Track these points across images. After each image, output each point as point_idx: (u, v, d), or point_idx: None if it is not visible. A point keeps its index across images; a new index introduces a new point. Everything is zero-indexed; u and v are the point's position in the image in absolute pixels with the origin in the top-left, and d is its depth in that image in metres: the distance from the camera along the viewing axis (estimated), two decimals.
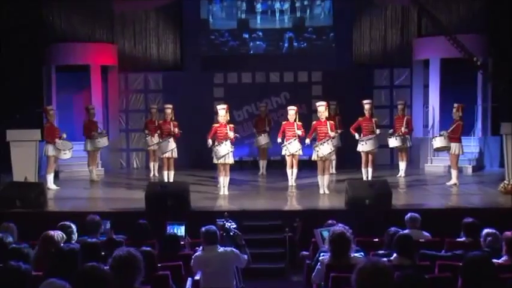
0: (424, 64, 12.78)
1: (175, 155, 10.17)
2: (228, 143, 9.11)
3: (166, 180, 10.04)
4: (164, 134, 10.18)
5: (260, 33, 13.53)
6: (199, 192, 9.38)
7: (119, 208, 8.24)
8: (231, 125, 9.38)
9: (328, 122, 9.40)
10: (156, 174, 11.71)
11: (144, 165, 13.17)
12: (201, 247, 5.21)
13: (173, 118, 10.28)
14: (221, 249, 5.15)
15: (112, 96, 13.05)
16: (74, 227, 5.38)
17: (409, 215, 6.20)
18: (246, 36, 13.52)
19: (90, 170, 11.00)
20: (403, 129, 10.91)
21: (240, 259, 5.27)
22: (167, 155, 10.10)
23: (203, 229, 5.18)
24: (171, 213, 7.32)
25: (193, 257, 5.16)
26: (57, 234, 4.82)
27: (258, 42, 13.59)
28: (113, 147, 12.66)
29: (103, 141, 10.99)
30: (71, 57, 12.19)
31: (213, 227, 5.23)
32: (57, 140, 9.95)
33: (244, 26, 13.55)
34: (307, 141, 9.45)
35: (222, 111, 9.31)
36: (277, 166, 12.36)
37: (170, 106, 10.37)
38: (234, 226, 5.65)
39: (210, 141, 9.27)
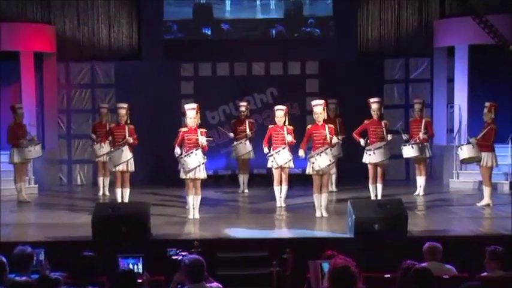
0: (448, 53, 12.92)
1: (131, 168, 10.17)
2: (200, 152, 9.12)
3: (119, 200, 10.07)
4: (117, 141, 10.18)
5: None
6: (162, 216, 9.40)
7: (57, 237, 8.20)
8: (203, 130, 9.39)
9: (326, 126, 9.45)
10: (107, 192, 11.69)
11: (91, 181, 13.18)
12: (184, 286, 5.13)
13: (129, 121, 10.27)
14: (208, 285, 5.09)
15: (48, 92, 13.01)
16: (4, 260, 5.29)
17: (428, 244, 6.25)
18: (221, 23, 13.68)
19: (18, 188, 10.90)
20: (421, 135, 11.03)
21: None
22: (121, 167, 10.09)
23: (186, 261, 5.11)
24: (125, 243, 7.35)
25: None
26: None
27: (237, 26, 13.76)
28: (49, 158, 12.64)
29: (35, 151, 10.90)
30: None
31: (200, 259, 5.15)
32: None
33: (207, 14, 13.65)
34: (301, 152, 9.51)
35: (191, 112, 9.33)
36: (262, 182, 12.34)
37: (125, 105, 10.36)
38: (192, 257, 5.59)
39: (177, 150, 9.28)
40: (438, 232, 8.27)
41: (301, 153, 9.50)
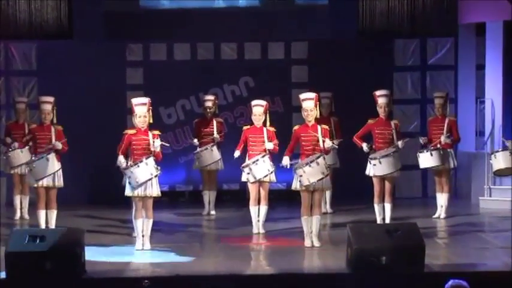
0: (477, 31, 13.10)
1: (59, 182, 10.16)
2: (151, 161, 9.13)
3: (43, 225, 10.03)
4: (40, 147, 10.15)
5: None
6: (100, 246, 9.40)
7: None
8: (156, 132, 9.39)
9: (318, 127, 9.47)
10: (26, 215, 11.65)
11: (4, 200, 13.10)
12: None
13: (55, 120, 10.24)
14: None
15: None
16: None
17: (452, 282, 6.27)
18: None
19: None
20: (443, 138, 11.14)
21: None
22: (45, 182, 10.06)
23: None
24: (50, 284, 7.23)
25: None
26: None
27: None
28: None
29: None
30: None
31: None
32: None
33: None
34: (286, 161, 9.50)
35: (140, 108, 9.32)
36: (234, 201, 12.35)
37: (50, 100, 10.35)
38: None
39: (121, 159, 9.27)
40: (464, 267, 8.32)
41: (285, 161, 9.49)
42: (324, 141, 9.37)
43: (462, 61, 13.36)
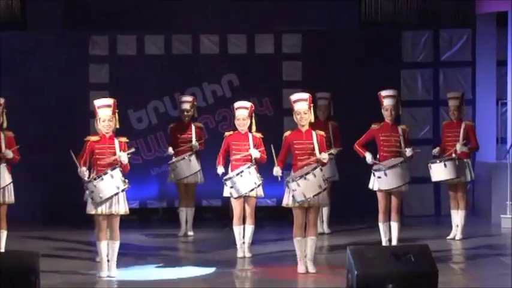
0: (498, 21, 13.11)
1: (9, 198, 10.14)
2: (118, 173, 9.10)
3: None
4: None
5: None
6: (58, 273, 9.36)
7: None
8: (123, 139, 9.39)
9: (314, 133, 9.48)
10: None
11: None
12: None
13: (5, 124, 10.25)
14: None
15: None
16: None
17: None
18: None
19: None
20: (458, 146, 11.19)
21: None
22: None
23: None
24: None
25: None
26: None
27: None
28: None
29: None
30: None
31: None
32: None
33: None
34: (277, 172, 9.49)
35: (104, 111, 9.30)
36: (216, 219, 12.28)
37: (0, 101, 10.27)
38: None
39: (82, 172, 9.19)
40: None
41: (276, 172, 9.53)
42: (322, 153, 9.36)
43: (481, 56, 13.39)
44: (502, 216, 12.34)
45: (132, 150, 9.61)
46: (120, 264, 9.45)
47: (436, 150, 11.23)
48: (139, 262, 10.17)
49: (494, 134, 13.10)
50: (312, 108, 9.59)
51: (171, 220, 12.48)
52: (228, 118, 12.07)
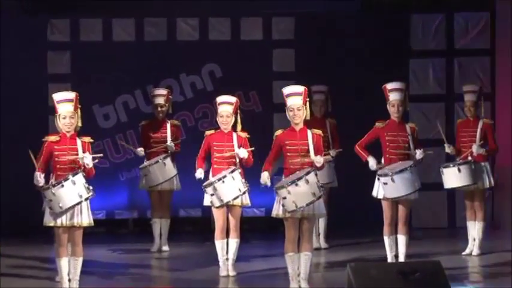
0: None
1: None
2: (80, 179, 9.06)
3: None
4: None
5: None
6: None
7: None
8: (87, 139, 9.38)
9: (309, 132, 9.43)
10: None
11: None
12: None
13: None
14: None
15: None
16: None
17: None
18: None
19: None
20: (475, 148, 11.21)
21: None
22: None
23: None
24: None
25: None
26: None
27: None
28: None
29: None
30: None
31: None
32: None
33: None
34: (265, 177, 9.37)
35: (65, 106, 9.28)
36: (195, 232, 12.28)
37: None
38: None
39: (38, 177, 9.12)
40: None
41: (264, 178, 9.38)
42: (317, 155, 9.33)
43: (501, 44, 13.41)
44: None
45: (100, 155, 9.56)
46: (84, 284, 9.45)
47: (450, 149, 11.21)
48: (106, 282, 10.17)
49: None
50: (307, 103, 9.58)
51: (142, 233, 12.53)
52: (209, 115, 12.04)
